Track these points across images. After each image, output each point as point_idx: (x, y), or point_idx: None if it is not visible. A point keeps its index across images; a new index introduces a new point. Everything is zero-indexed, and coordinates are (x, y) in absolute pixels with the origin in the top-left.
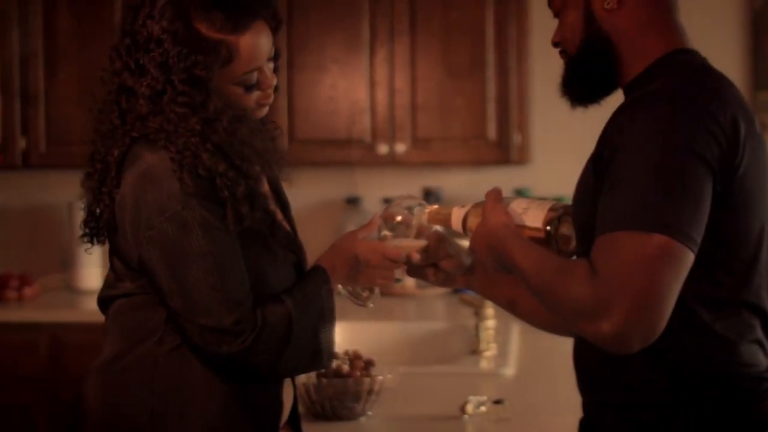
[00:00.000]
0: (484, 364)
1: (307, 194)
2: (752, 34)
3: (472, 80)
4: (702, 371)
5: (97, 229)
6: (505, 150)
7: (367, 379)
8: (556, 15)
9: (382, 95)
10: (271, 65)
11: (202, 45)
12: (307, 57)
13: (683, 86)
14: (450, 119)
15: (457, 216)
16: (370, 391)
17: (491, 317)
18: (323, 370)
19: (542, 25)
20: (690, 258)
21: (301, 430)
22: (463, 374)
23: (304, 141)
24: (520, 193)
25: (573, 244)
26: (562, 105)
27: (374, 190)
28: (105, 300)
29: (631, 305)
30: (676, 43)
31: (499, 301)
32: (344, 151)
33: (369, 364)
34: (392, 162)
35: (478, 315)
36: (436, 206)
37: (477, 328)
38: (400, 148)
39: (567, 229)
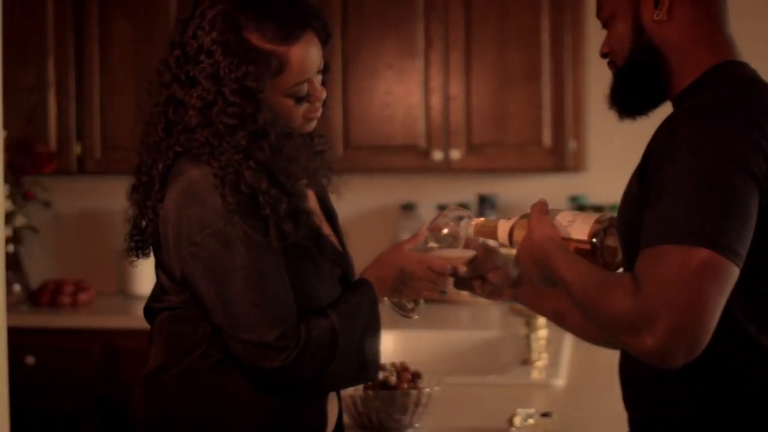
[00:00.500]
0: (535, 375)
1: (362, 200)
2: None
3: (527, 87)
4: (748, 386)
5: (143, 242)
6: (560, 157)
7: (414, 392)
8: (605, 26)
9: (436, 101)
10: (320, 78)
11: (253, 56)
12: (362, 63)
13: (731, 99)
14: (505, 126)
15: (503, 228)
16: (417, 404)
17: (543, 327)
18: (370, 382)
19: (598, 31)
20: (735, 272)
21: None
22: (513, 385)
23: (359, 147)
24: (575, 200)
25: (619, 256)
26: None
27: (429, 196)
28: (151, 311)
29: (675, 320)
30: (726, 55)
31: (546, 313)
32: (399, 157)
33: (416, 376)
34: (447, 168)
35: (530, 325)
36: (482, 218)
37: (528, 337)
38: (455, 154)
39: (613, 241)
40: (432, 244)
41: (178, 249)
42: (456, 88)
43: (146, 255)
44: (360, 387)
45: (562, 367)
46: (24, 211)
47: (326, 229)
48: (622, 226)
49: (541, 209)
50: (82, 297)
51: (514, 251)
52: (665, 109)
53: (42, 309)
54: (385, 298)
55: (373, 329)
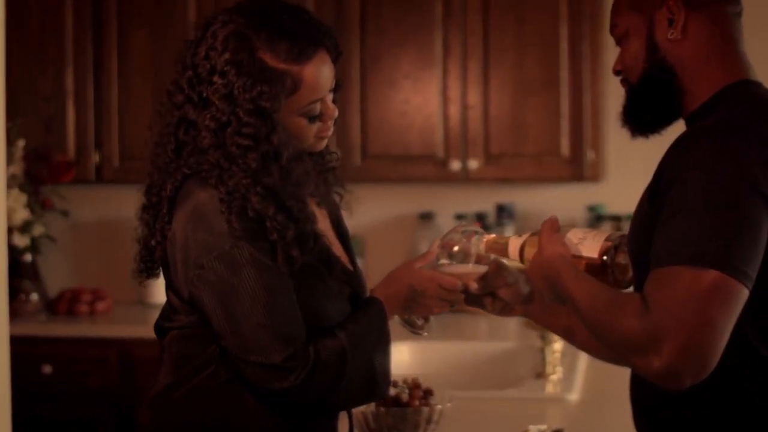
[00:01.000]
0: (549, 389)
1: (380, 210)
2: None
3: (545, 96)
4: (759, 407)
5: (152, 263)
6: (579, 167)
7: (425, 408)
8: (618, 43)
9: (454, 111)
10: (332, 96)
11: (267, 75)
12: (381, 73)
13: (743, 119)
14: (523, 135)
15: (514, 245)
16: (429, 420)
17: (558, 340)
18: (381, 399)
19: None
20: (744, 294)
21: None
22: (527, 399)
23: (377, 156)
24: (592, 210)
25: (629, 273)
26: None
27: (447, 206)
28: (161, 329)
29: (683, 341)
30: (740, 75)
31: (557, 330)
32: (417, 167)
33: (428, 393)
34: (465, 178)
35: (545, 338)
36: (493, 235)
37: (543, 350)
38: (473, 164)
39: (623, 259)
40: (443, 261)
41: (185, 271)
42: (474, 98)
43: (156, 276)
44: (372, 404)
45: (576, 381)
46: (42, 220)
47: (337, 249)
48: (632, 244)
49: (552, 227)
50: (100, 306)
51: (524, 266)
52: (680, 125)
53: (59, 318)
54: (395, 316)
55: (382, 347)
